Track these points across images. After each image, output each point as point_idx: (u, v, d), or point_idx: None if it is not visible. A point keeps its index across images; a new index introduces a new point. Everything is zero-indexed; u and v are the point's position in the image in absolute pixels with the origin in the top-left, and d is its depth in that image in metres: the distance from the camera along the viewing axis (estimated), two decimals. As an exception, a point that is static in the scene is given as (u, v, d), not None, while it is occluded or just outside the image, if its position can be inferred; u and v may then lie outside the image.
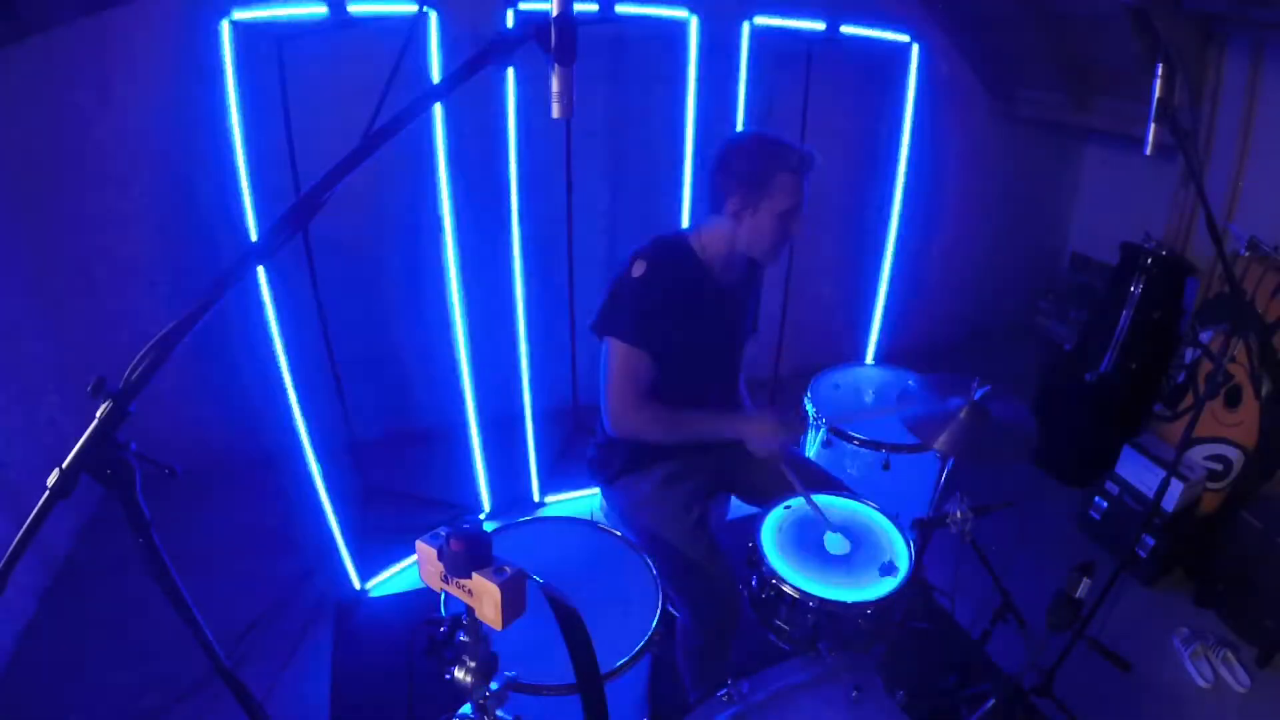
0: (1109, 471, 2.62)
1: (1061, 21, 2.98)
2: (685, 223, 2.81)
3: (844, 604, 1.48)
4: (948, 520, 1.56)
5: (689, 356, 1.66)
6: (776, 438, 1.67)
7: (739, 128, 2.79)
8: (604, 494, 1.86)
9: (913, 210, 3.28)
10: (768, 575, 1.53)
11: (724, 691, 1.32)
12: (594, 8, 2.24)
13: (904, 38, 2.82)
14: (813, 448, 2.18)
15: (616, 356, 1.60)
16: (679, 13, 2.47)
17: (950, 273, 4.04)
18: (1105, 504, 2.65)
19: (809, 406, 2.17)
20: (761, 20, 2.59)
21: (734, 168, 1.58)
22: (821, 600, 1.47)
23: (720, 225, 1.64)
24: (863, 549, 1.62)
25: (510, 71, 2.27)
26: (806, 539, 1.63)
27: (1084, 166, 3.97)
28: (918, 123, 3.02)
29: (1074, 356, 3.13)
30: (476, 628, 0.99)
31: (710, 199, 1.63)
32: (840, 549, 1.61)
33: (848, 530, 1.66)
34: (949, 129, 3.64)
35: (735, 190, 1.58)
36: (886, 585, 1.52)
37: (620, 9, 2.29)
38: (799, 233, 1.61)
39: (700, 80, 2.57)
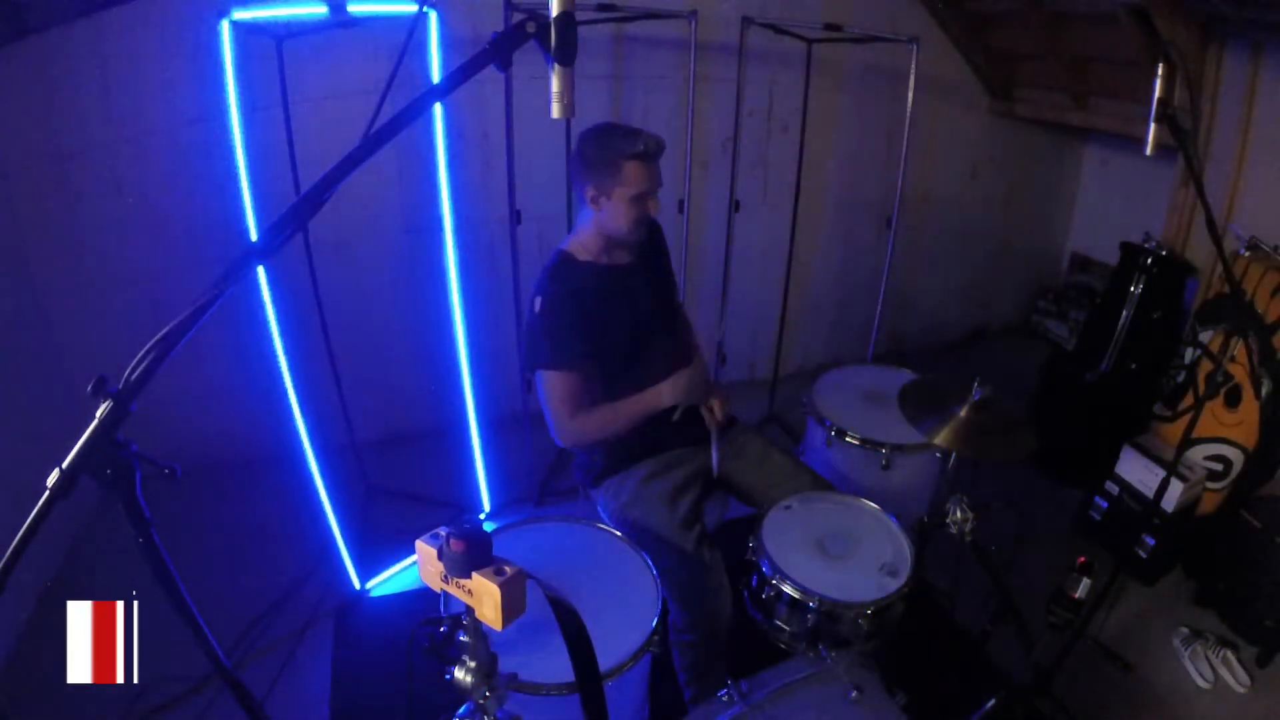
0: (1109, 471, 2.62)
1: (1061, 21, 2.97)
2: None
3: (844, 604, 1.48)
4: (948, 520, 1.56)
5: (624, 344, 1.73)
6: (692, 387, 1.70)
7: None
8: (594, 497, 1.87)
9: (912, 209, 3.28)
10: (768, 574, 1.53)
11: (724, 692, 1.32)
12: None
13: (904, 37, 2.81)
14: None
15: (546, 384, 1.69)
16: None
17: (950, 272, 4.04)
18: (1105, 504, 2.65)
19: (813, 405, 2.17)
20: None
21: (585, 157, 1.64)
22: (822, 599, 1.47)
23: (587, 217, 1.72)
24: (863, 549, 1.62)
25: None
26: (807, 539, 1.63)
27: (1084, 166, 3.97)
28: (918, 121, 3.02)
29: (1074, 356, 3.13)
30: (476, 628, 0.99)
31: (575, 189, 1.72)
32: (841, 549, 1.61)
33: (849, 530, 1.66)
34: (949, 127, 3.65)
35: (589, 179, 1.65)
36: (887, 585, 1.52)
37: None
38: (657, 210, 1.69)
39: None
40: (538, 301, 1.69)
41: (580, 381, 1.68)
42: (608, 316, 1.71)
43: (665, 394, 1.70)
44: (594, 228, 1.72)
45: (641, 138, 1.60)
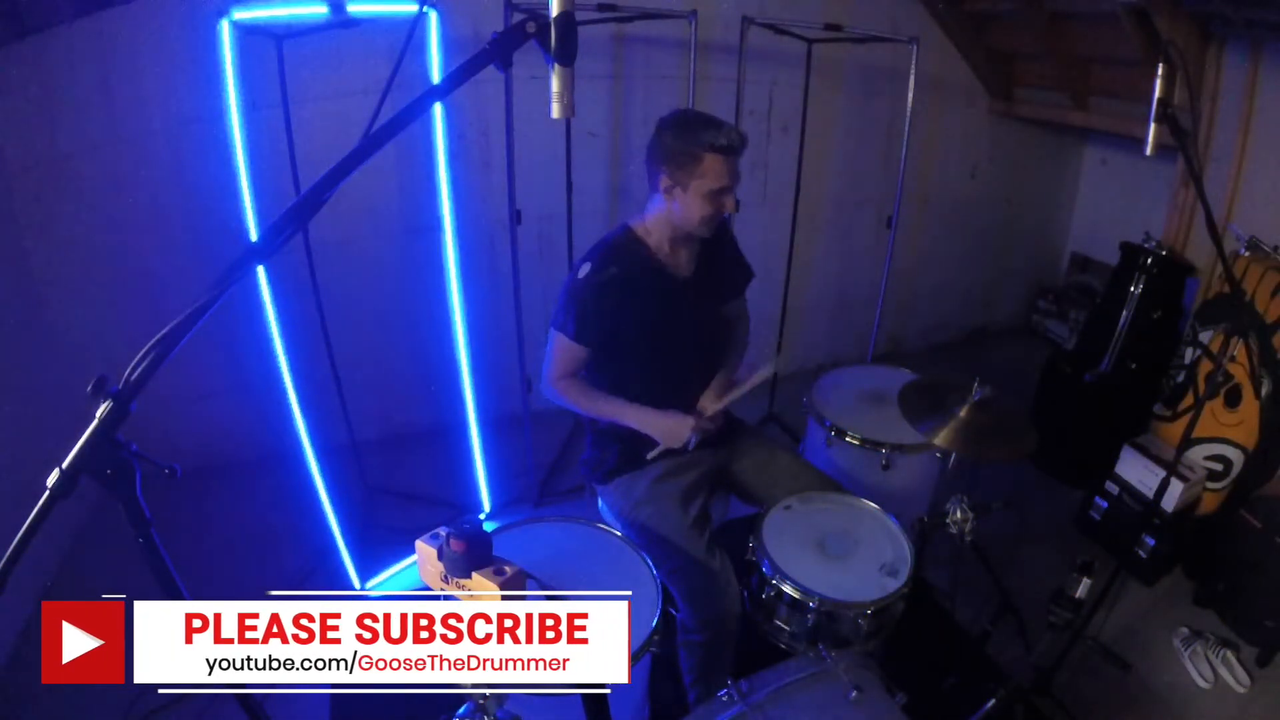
0: (1109, 471, 2.62)
1: (1061, 21, 2.97)
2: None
3: (844, 604, 1.48)
4: (948, 520, 1.56)
5: (647, 345, 1.71)
6: (674, 432, 1.70)
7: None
8: (600, 493, 1.86)
9: (912, 209, 3.28)
10: (768, 575, 1.53)
11: (724, 692, 1.32)
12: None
13: (904, 37, 2.81)
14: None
15: (554, 344, 1.71)
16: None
17: (950, 272, 4.04)
18: (1105, 504, 2.65)
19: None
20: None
21: (663, 146, 1.61)
22: (822, 600, 1.47)
23: (658, 205, 1.68)
24: (863, 549, 1.62)
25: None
26: (807, 539, 1.63)
27: (1084, 166, 3.96)
28: (918, 121, 3.01)
29: (1074, 356, 3.13)
30: (477, 627, 0.99)
31: (646, 177, 1.68)
32: (841, 549, 1.61)
33: (849, 530, 1.66)
34: (949, 127, 3.65)
35: (664, 169, 1.60)
36: (887, 585, 1.52)
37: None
38: (734, 209, 1.65)
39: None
40: (584, 268, 1.65)
41: (580, 354, 1.71)
42: (642, 317, 1.68)
43: (645, 420, 1.71)
44: (665, 218, 1.68)
45: (724, 130, 1.55)
